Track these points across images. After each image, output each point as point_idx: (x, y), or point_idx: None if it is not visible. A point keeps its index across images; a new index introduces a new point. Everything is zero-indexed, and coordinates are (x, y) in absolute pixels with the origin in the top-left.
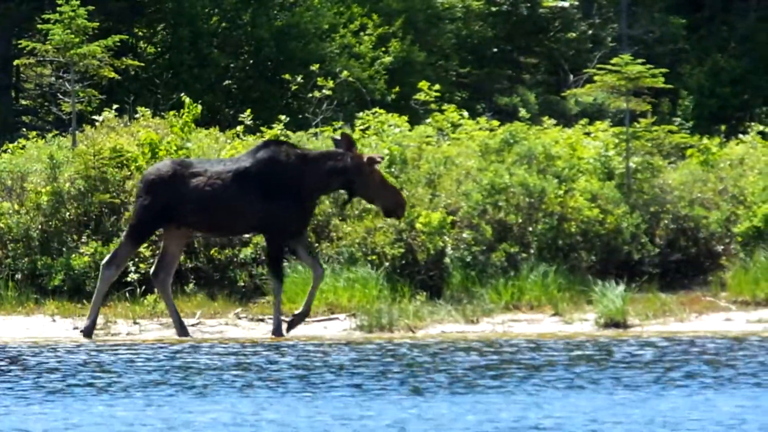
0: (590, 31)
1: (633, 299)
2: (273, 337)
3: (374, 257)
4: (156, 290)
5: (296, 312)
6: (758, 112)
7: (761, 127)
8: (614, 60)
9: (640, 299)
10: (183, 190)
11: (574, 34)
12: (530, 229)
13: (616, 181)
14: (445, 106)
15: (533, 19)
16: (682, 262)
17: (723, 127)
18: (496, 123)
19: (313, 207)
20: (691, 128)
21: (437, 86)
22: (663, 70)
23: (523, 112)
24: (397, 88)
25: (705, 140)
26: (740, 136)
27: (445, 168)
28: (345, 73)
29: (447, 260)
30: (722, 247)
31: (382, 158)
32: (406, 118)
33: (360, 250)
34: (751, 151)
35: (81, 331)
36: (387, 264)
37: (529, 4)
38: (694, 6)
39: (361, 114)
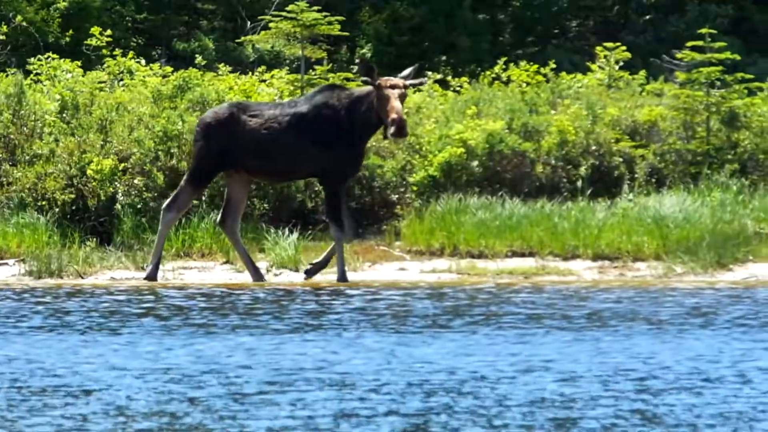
0: None
1: (306, 247)
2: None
3: (44, 203)
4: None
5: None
6: (437, 61)
7: (439, 76)
8: (290, 7)
9: (313, 248)
10: (240, 133)
11: None
12: None
13: None
14: (117, 52)
15: None
16: (357, 211)
17: None
18: (169, 69)
19: (364, 150)
20: None
21: (109, 31)
22: (339, 17)
23: (198, 59)
24: (71, 33)
25: None
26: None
27: (117, 114)
28: (19, 17)
29: (118, 206)
30: (397, 196)
31: (404, 85)
32: (79, 63)
33: (30, 196)
34: (428, 99)
35: (145, 278)
36: (57, 210)
37: None
38: None
39: (32, 59)
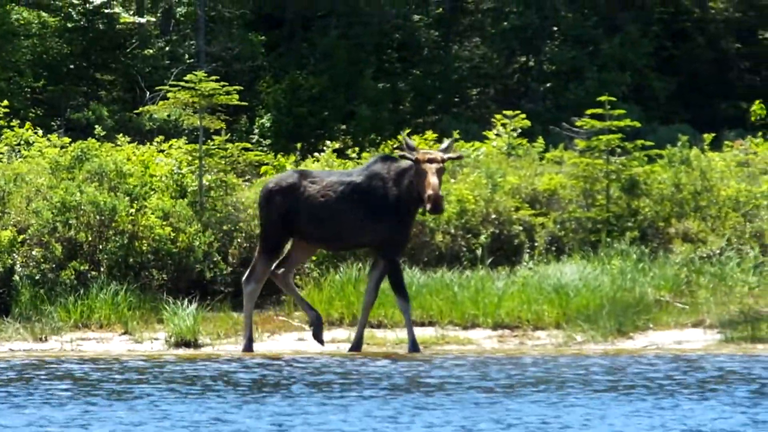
0: (168, 48)
1: (205, 318)
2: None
3: None
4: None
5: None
6: (336, 130)
7: (337, 145)
8: (188, 77)
9: (212, 318)
10: (300, 199)
11: (151, 51)
12: (101, 247)
13: (188, 199)
14: (14, 123)
15: (110, 35)
16: None
17: (299, 145)
18: (67, 140)
19: (412, 222)
20: (269, 146)
21: (5, 102)
22: (238, 87)
23: (98, 129)
24: None
25: (280, 158)
26: (316, 154)
27: (15, 185)
28: None
29: (16, 278)
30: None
31: (442, 159)
32: None
33: None
34: (326, 169)
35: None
36: None
37: (105, 21)
38: (273, 23)
39: None
